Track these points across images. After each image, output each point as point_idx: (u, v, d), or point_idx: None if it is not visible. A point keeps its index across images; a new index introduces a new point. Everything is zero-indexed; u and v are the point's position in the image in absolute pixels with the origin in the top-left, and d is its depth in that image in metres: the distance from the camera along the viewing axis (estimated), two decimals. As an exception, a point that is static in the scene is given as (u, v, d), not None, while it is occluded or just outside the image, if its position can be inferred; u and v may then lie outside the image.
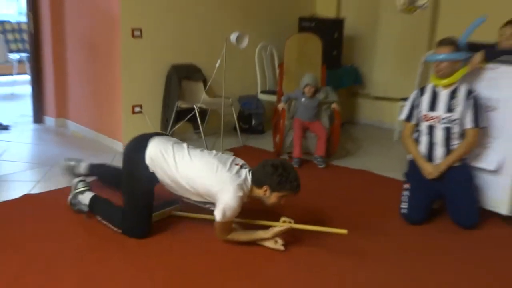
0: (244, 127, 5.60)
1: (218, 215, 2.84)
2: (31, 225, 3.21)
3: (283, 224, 2.98)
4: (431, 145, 3.47)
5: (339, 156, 4.93)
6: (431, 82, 3.52)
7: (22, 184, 3.93)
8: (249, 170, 2.99)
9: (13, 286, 2.52)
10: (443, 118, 3.41)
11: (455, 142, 3.44)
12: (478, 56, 3.46)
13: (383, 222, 3.52)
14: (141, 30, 4.75)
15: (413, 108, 3.53)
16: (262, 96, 5.70)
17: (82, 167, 3.70)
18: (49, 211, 3.43)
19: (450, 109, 3.40)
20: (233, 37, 4.61)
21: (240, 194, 2.83)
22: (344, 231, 2.95)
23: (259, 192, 2.93)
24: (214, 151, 3.13)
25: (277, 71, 5.73)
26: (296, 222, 3.07)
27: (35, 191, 3.79)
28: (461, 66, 3.42)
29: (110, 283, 2.59)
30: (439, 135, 3.44)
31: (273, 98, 5.48)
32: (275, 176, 2.86)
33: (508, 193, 3.49)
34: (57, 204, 3.54)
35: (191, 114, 4.94)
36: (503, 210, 3.53)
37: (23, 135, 5.31)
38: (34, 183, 3.96)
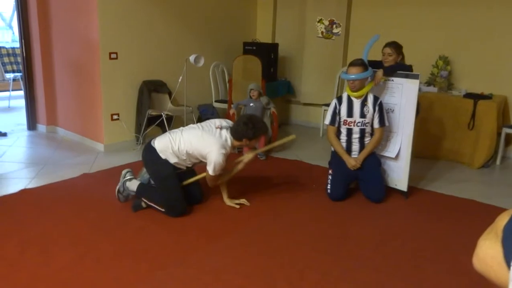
0: (203, 129, 5.51)
1: (210, 170, 2.99)
2: (29, 214, 3.02)
3: (248, 154, 3.21)
4: (349, 142, 3.51)
5: (277, 150, 4.94)
6: (345, 92, 3.53)
7: (19, 181, 3.70)
8: (227, 129, 3.09)
9: (15, 266, 2.37)
10: (358, 122, 3.45)
11: (367, 139, 3.50)
12: (380, 73, 3.51)
13: (313, 199, 3.54)
14: (117, 53, 4.59)
15: (335, 115, 3.50)
16: (216, 104, 5.63)
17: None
18: (43, 202, 3.25)
19: (363, 115, 3.44)
20: (192, 58, 4.52)
21: (223, 151, 2.97)
22: (293, 136, 3.40)
23: (241, 143, 3.12)
24: (199, 124, 3.23)
25: (227, 84, 5.68)
26: (247, 204, 3.22)
27: (31, 186, 3.57)
28: (368, 81, 3.48)
29: (98, 262, 2.47)
30: (355, 134, 3.48)
31: (225, 105, 5.43)
32: (249, 130, 3.03)
33: (404, 174, 3.60)
34: (50, 196, 3.37)
35: (159, 120, 4.81)
36: (402, 187, 3.63)
37: (19, 140, 5.00)
38: (29, 179, 3.73)
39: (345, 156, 3.49)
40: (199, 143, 3.02)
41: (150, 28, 4.91)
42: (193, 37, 5.46)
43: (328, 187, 3.53)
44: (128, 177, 3.23)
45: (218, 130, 3.08)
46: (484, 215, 3.28)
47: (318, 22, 5.95)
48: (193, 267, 2.45)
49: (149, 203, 3.10)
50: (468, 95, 4.65)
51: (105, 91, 4.57)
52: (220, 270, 2.42)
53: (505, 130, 4.59)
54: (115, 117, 4.72)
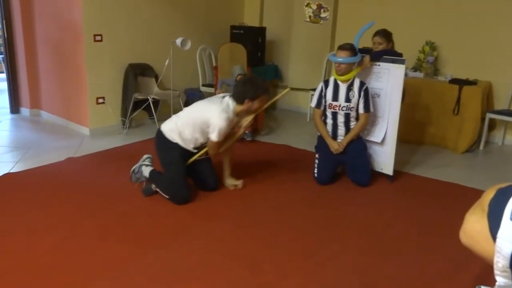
0: (190, 113, 5.47)
1: (213, 137, 2.96)
2: (13, 199, 2.99)
3: (246, 117, 3.16)
4: (335, 126, 3.52)
5: (264, 134, 4.94)
6: (333, 76, 3.54)
7: (3, 164, 3.63)
8: (230, 96, 3.06)
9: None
10: (343, 106, 3.45)
11: (353, 123, 3.51)
12: (367, 58, 3.52)
13: (300, 183, 3.55)
14: (101, 36, 4.50)
15: (320, 97, 3.52)
16: (203, 88, 5.58)
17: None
18: (28, 186, 3.21)
19: (348, 99, 3.44)
20: (178, 41, 4.46)
21: (225, 115, 2.94)
22: (287, 89, 3.55)
23: (244, 107, 3.03)
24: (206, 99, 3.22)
25: (213, 70, 5.63)
26: (241, 187, 3.30)
27: (15, 170, 3.51)
28: (355, 66, 3.48)
29: (84, 245, 2.47)
30: (340, 119, 3.49)
31: (212, 89, 5.39)
32: (248, 88, 3.00)
33: (390, 158, 3.63)
34: (34, 180, 3.32)
35: (146, 104, 4.76)
36: (387, 171, 3.66)
37: (2, 124, 4.90)
38: (13, 163, 3.67)
39: (328, 140, 3.51)
40: (202, 111, 3.04)
41: (136, 10, 4.81)
42: (179, 20, 5.37)
43: (315, 171, 3.55)
44: (146, 163, 3.23)
45: (221, 98, 3.08)
46: (467, 198, 3.31)
47: (306, 6, 5.90)
48: (181, 250, 2.45)
49: (157, 189, 3.09)
50: (454, 81, 4.69)
51: (90, 74, 4.49)
52: (207, 253, 2.43)
53: (489, 116, 4.65)
54: (100, 100, 4.65)
